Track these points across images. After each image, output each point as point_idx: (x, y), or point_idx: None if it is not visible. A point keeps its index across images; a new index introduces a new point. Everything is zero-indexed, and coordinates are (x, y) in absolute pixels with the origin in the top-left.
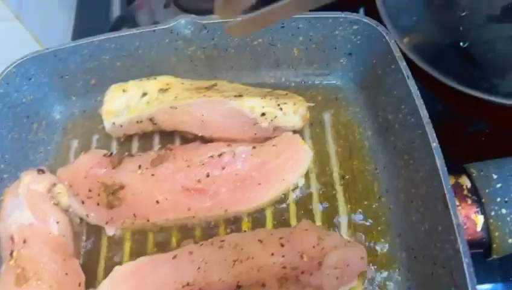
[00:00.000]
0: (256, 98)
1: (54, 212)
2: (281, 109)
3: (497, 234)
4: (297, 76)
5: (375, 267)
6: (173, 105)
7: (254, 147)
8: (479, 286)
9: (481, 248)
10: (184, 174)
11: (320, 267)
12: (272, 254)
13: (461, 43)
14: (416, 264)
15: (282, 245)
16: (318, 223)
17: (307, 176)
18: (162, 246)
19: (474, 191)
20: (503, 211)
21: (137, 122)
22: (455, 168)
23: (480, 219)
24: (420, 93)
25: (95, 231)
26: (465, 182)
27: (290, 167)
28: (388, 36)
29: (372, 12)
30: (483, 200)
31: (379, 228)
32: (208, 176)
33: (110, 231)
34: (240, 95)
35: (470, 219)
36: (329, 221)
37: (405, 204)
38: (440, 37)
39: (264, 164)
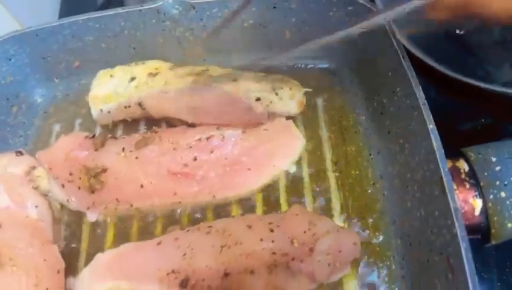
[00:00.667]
0: (251, 82)
1: (33, 195)
2: (276, 94)
3: (496, 218)
4: (289, 59)
5: (369, 255)
6: (163, 90)
7: (244, 132)
8: None
9: (479, 233)
10: (170, 157)
11: (311, 253)
12: (261, 240)
13: (457, 31)
14: (412, 251)
15: (272, 230)
16: (310, 210)
17: (298, 162)
18: (147, 233)
19: (472, 174)
20: (503, 194)
21: (125, 107)
22: (452, 152)
23: (478, 203)
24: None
25: (76, 217)
26: (463, 165)
27: (282, 153)
28: None
29: None
30: (481, 183)
31: (373, 215)
32: (195, 159)
33: (91, 216)
34: (234, 80)
35: (468, 203)
36: (321, 208)
37: (400, 190)
38: (435, 24)
39: (255, 148)
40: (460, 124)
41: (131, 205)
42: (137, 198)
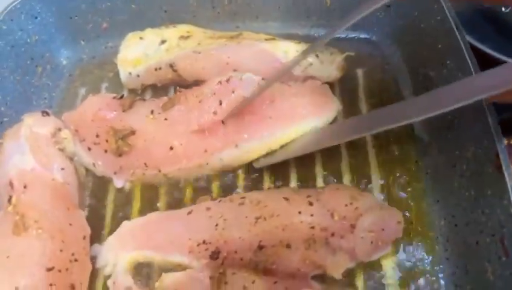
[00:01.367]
0: (291, 42)
1: (59, 158)
2: (317, 56)
3: None
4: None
5: (410, 235)
6: (196, 50)
7: (263, 79)
8: None
9: None
10: (197, 110)
11: (352, 230)
12: (300, 212)
13: (503, 8)
14: (457, 233)
15: (311, 204)
16: None
17: None
18: (175, 204)
19: None
20: None
21: (155, 69)
22: (506, 130)
23: None
24: None
25: (102, 184)
26: None
27: (308, 110)
28: None
29: None
30: None
31: (415, 194)
32: (220, 103)
33: (118, 182)
34: (273, 39)
35: None
36: (360, 184)
37: (446, 168)
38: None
39: (275, 98)
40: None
41: (159, 171)
42: (166, 162)
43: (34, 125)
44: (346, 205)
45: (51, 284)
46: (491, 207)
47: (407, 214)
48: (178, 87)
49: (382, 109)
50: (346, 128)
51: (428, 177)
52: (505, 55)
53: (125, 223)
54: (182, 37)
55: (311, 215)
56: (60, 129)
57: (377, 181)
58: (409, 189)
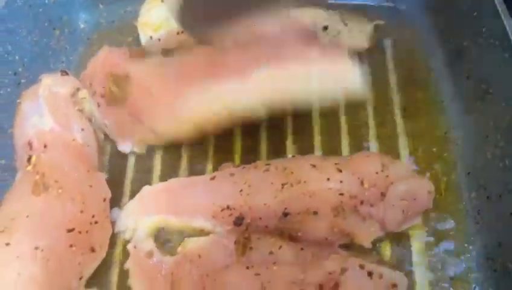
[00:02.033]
0: (319, 9)
1: (78, 118)
2: (346, 24)
3: None
4: None
5: (439, 207)
6: None
7: None
8: None
9: None
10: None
11: (383, 198)
12: (328, 179)
13: None
14: (490, 205)
15: (340, 170)
16: None
17: (363, 105)
18: (197, 171)
19: None
20: None
21: (177, 33)
22: None
23: None
24: None
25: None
26: None
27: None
28: None
29: None
30: None
31: (444, 166)
32: None
33: (124, 146)
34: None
35: None
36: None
37: (478, 139)
38: None
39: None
40: None
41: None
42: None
43: (53, 85)
44: (376, 173)
45: (71, 245)
46: None
47: (437, 185)
48: None
49: None
50: None
51: (459, 149)
52: None
53: (146, 187)
54: None
55: (340, 182)
56: (78, 89)
57: (405, 152)
58: (438, 161)
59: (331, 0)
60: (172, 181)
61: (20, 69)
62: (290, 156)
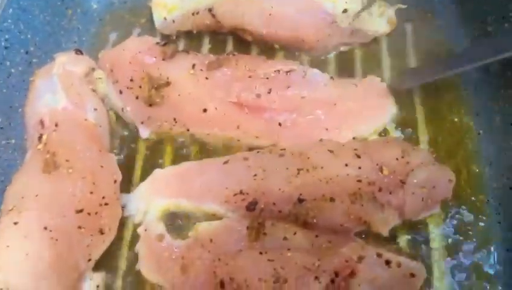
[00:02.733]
0: None
1: (92, 97)
2: (366, 7)
3: None
4: None
5: (459, 197)
6: None
7: (332, 78)
8: None
9: None
10: (243, 84)
11: (402, 185)
12: (346, 165)
13: None
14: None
15: (358, 156)
16: None
17: None
18: (209, 154)
19: None
20: None
21: (192, 14)
22: None
23: None
24: None
25: (132, 133)
26: None
27: (366, 117)
28: None
29: None
30: None
31: (465, 155)
32: (269, 92)
33: (144, 132)
34: None
35: None
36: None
37: (502, 128)
38: None
39: (335, 103)
40: None
41: (188, 130)
42: (196, 122)
43: (67, 64)
44: (396, 159)
45: (79, 227)
46: None
47: (457, 175)
48: (231, 50)
49: None
50: None
51: (481, 138)
52: None
53: (157, 170)
54: None
55: (359, 168)
56: (93, 69)
57: (424, 138)
58: (459, 150)
59: None
60: (184, 165)
61: (31, 48)
62: None
